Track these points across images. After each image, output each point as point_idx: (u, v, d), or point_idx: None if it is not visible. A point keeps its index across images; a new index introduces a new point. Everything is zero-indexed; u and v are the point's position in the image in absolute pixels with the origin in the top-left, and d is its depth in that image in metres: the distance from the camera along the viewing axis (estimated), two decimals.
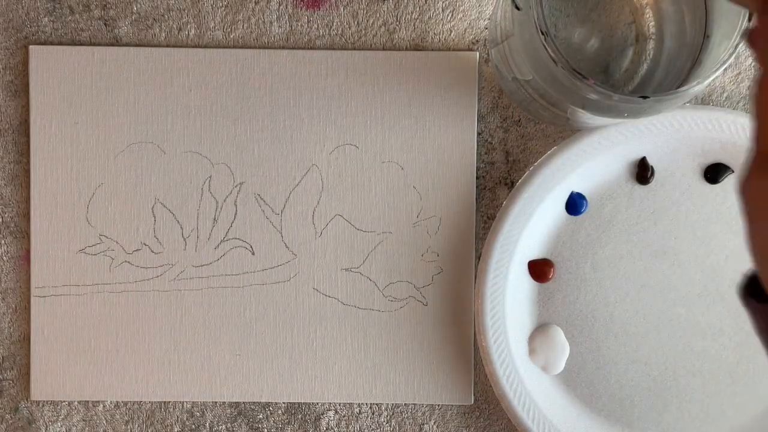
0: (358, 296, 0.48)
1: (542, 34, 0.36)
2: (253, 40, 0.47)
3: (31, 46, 0.47)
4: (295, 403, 0.48)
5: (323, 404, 0.48)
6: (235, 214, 0.47)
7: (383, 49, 0.47)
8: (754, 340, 0.47)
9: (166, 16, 0.47)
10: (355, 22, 0.47)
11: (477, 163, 0.48)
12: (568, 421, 0.47)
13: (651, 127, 0.46)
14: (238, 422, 0.48)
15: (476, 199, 0.48)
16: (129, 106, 0.47)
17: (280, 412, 0.48)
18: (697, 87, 0.36)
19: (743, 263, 0.47)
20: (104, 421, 0.48)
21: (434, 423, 0.48)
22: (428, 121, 0.47)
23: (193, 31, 0.47)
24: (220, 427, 0.48)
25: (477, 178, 0.48)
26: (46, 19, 0.47)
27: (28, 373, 0.48)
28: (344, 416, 0.48)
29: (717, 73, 0.36)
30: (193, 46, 0.47)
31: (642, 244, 0.47)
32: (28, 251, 0.48)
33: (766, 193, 0.28)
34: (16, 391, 0.48)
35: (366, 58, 0.47)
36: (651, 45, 0.42)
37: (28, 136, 0.47)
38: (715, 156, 0.46)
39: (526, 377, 0.47)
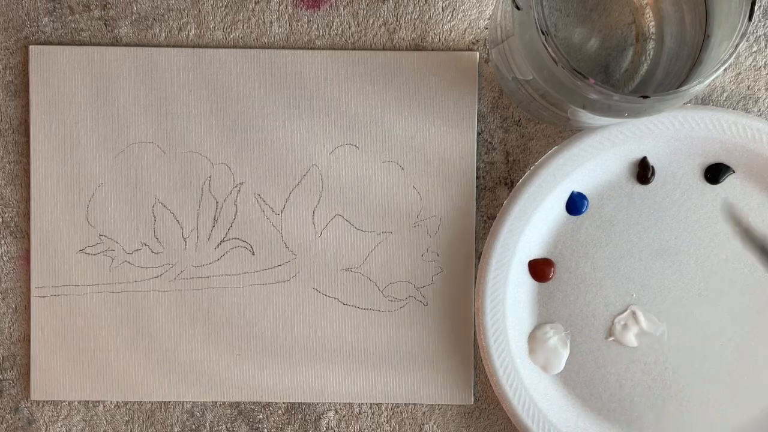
0: (358, 296, 0.48)
1: (542, 33, 0.36)
2: (253, 40, 0.47)
3: (31, 46, 0.47)
4: (295, 403, 0.48)
5: (323, 404, 0.48)
6: (235, 214, 0.47)
7: (383, 49, 0.47)
8: (754, 340, 0.47)
9: (166, 16, 0.47)
10: (355, 22, 0.47)
11: (477, 163, 0.48)
12: (568, 421, 0.47)
13: (651, 127, 0.46)
14: (238, 422, 0.48)
15: (476, 199, 0.48)
16: (129, 106, 0.47)
17: (280, 412, 0.48)
18: (697, 87, 0.36)
19: (743, 263, 0.47)
20: (104, 421, 0.48)
21: (434, 423, 0.48)
22: (428, 121, 0.47)
23: (193, 31, 0.47)
24: (220, 427, 0.48)
25: (477, 178, 0.48)
26: (46, 19, 0.47)
27: (28, 373, 0.48)
28: (344, 416, 0.48)
29: (717, 73, 0.36)
30: (193, 46, 0.47)
31: (642, 244, 0.47)
32: (28, 251, 0.48)
33: None
34: (16, 391, 0.48)
35: (366, 58, 0.47)
36: (651, 45, 0.42)
37: (28, 136, 0.47)
38: (716, 156, 0.47)
39: (526, 377, 0.47)
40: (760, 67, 0.48)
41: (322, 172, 0.47)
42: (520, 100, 0.45)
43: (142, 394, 0.48)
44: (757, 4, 0.36)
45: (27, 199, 0.48)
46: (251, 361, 0.48)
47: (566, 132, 0.48)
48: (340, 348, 0.48)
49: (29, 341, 0.48)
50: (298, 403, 0.48)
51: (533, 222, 0.46)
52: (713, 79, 0.36)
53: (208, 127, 0.47)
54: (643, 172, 0.47)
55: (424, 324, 0.48)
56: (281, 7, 0.47)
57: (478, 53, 0.47)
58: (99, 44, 0.47)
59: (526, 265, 0.47)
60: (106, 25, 0.47)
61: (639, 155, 0.47)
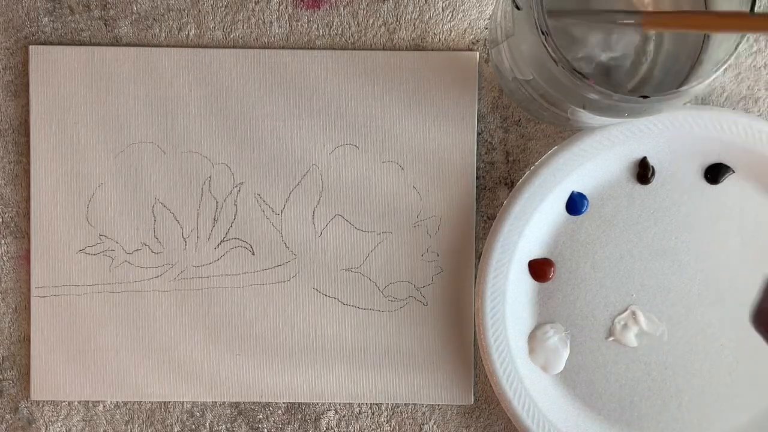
0: (358, 296, 0.48)
1: (542, 33, 0.36)
2: (253, 40, 0.47)
3: (31, 46, 0.47)
4: (295, 403, 0.48)
5: (323, 404, 0.48)
6: (235, 214, 0.47)
7: (383, 49, 0.47)
8: (754, 340, 0.47)
9: (166, 16, 0.47)
10: (355, 22, 0.47)
11: (477, 163, 0.48)
12: (568, 421, 0.47)
13: (651, 127, 0.46)
14: (238, 422, 0.48)
15: (476, 199, 0.48)
16: (129, 106, 0.47)
17: (280, 412, 0.48)
18: (697, 87, 0.36)
19: (743, 263, 0.47)
20: (104, 421, 0.48)
21: (434, 423, 0.48)
22: (428, 121, 0.47)
23: (193, 31, 0.47)
24: (220, 427, 0.48)
25: (477, 178, 0.48)
26: (46, 19, 0.47)
27: (28, 373, 0.48)
28: (344, 416, 0.48)
29: (717, 73, 0.36)
30: (193, 46, 0.47)
31: (642, 244, 0.47)
32: (28, 251, 0.48)
33: None
34: (16, 391, 0.48)
35: (366, 58, 0.47)
36: (651, 45, 0.42)
37: (28, 136, 0.47)
38: (716, 156, 0.47)
39: (526, 377, 0.47)
40: (760, 67, 0.48)
41: (322, 172, 0.47)
42: (520, 100, 0.45)
43: (141, 394, 0.48)
44: (757, 4, 0.36)
45: (27, 199, 0.48)
46: (251, 361, 0.48)
47: (566, 132, 0.48)
48: (340, 348, 0.48)
49: (29, 341, 0.48)
50: (298, 403, 0.48)
51: (533, 222, 0.46)
52: (713, 79, 0.36)
53: (208, 127, 0.47)
54: (643, 172, 0.47)
55: (424, 324, 0.48)
56: (281, 7, 0.47)
57: (478, 53, 0.47)
58: (99, 44, 0.47)
59: (526, 265, 0.47)
60: (106, 25, 0.47)
61: (639, 155, 0.47)
